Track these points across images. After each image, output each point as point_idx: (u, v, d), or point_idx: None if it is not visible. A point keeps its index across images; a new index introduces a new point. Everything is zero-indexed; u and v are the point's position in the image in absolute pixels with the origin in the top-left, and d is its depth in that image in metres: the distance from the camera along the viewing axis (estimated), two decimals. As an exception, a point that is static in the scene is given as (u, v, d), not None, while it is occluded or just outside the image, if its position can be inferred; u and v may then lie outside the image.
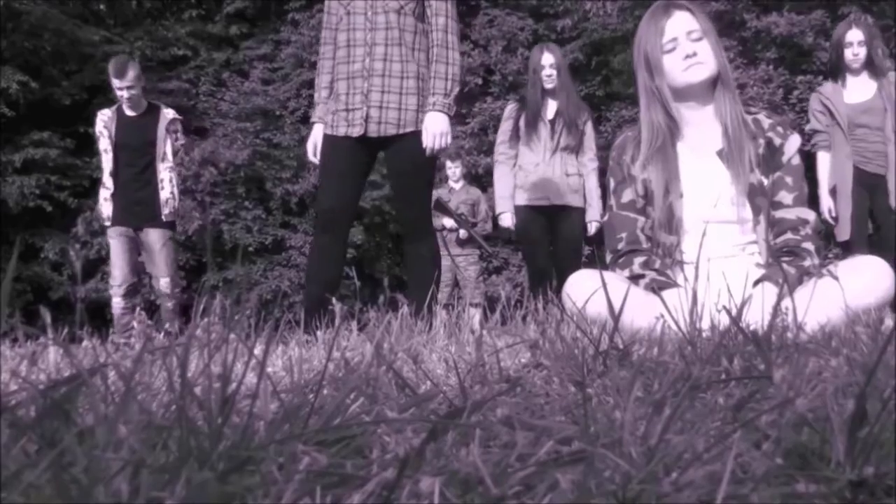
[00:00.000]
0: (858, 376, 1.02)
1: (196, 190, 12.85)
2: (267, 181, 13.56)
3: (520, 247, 7.64)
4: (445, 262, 6.85)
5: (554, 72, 4.92)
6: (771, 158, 2.46)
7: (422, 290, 3.19)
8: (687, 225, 2.45)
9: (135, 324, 4.84)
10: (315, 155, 3.55)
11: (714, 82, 2.46)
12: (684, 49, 2.43)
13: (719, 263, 2.36)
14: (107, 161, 5.12)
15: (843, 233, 4.74)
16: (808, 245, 2.39)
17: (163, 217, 5.06)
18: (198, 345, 1.20)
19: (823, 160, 4.81)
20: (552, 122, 4.95)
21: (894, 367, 0.94)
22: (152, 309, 5.19)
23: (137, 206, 5.07)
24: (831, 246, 5.69)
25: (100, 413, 0.71)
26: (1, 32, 12.37)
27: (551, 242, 5.09)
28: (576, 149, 5.00)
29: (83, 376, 0.77)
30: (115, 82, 5.03)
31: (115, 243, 5.10)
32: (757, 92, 11.92)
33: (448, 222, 6.82)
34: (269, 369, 1.29)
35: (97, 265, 10.96)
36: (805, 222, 2.43)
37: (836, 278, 2.20)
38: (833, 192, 4.78)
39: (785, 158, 2.47)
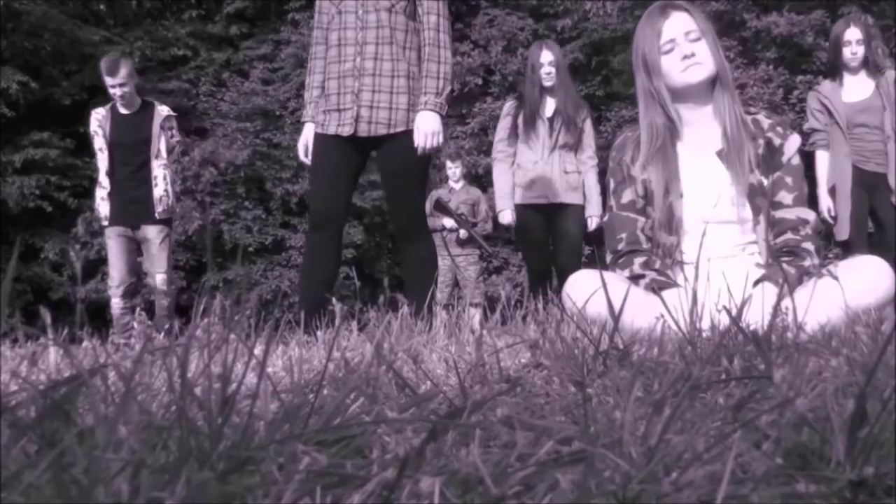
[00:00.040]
0: (858, 376, 1.02)
1: (196, 190, 12.85)
2: (267, 181, 13.56)
3: (519, 246, 7.65)
4: (445, 262, 6.86)
5: (553, 70, 4.90)
6: (771, 158, 2.46)
7: (420, 291, 3.18)
8: (687, 225, 2.45)
9: (135, 324, 4.84)
10: (306, 155, 3.54)
11: (713, 82, 2.46)
12: (682, 50, 2.43)
13: (719, 263, 2.36)
14: (102, 160, 5.08)
15: (843, 232, 4.73)
16: (808, 245, 2.39)
17: (156, 215, 5.03)
18: (198, 345, 1.20)
19: (822, 159, 4.81)
20: (551, 119, 4.93)
21: (894, 367, 0.94)
22: (151, 309, 5.17)
23: (134, 205, 5.04)
24: (831, 246, 5.69)
25: (100, 413, 0.71)
26: (1, 32, 12.38)
27: (551, 241, 5.08)
28: (574, 147, 4.98)
29: (83, 377, 0.77)
30: (108, 80, 4.99)
31: (113, 244, 5.08)
32: (757, 92, 11.93)
33: (448, 222, 6.82)
34: (270, 369, 1.29)
35: (97, 265, 10.95)
36: (805, 222, 2.43)
37: (836, 278, 2.20)
38: (832, 191, 4.78)
39: (785, 158, 2.47)
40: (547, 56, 4.92)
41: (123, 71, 4.96)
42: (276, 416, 0.77)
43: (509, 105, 5.16)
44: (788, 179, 2.46)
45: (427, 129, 3.30)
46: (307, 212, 3.67)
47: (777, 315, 1.50)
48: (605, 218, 2.64)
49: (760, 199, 2.43)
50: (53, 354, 1.54)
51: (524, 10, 14.33)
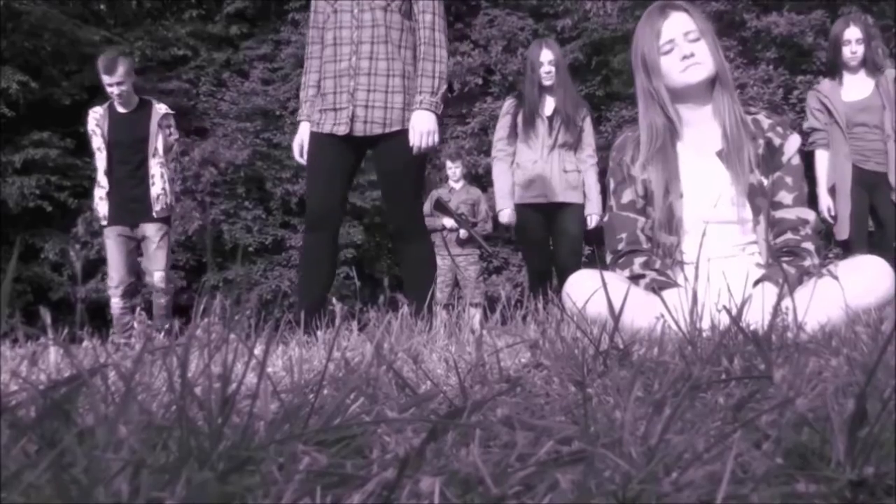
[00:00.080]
0: (859, 376, 1.02)
1: (196, 190, 12.85)
2: (267, 181, 13.56)
3: (519, 246, 7.64)
4: (446, 261, 6.86)
5: (552, 69, 4.89)
6: (771, 158, 2.46)
7: (420, 291, 3.18)
8: (687, 225, 2.45)
9: (135, 324, 4.84)
10: (301, 155, 3.54)
11: (712, 82, 2.46)
12: (682, 50, 2.43)
13: (719, 263, 2.36)
14: (101, 159, 5.06)
15: (843, 232, 4.73)
16: (808, 245, 2.39)
17: (154, 214, 5.02)
18: (198, 345, 1.20)
19: (822, 158, 4.81)
20: (550, 118, 4.91)
21: (894, 367, 0.94)
22: (151, 308, 5.16)
23: (133, 204, 5.02)
24: (831, 245, 5.69)
25: (100, 413, 0.71)
26: (1, 32, 12.37)
27: (551, 241, 5.08)
28: (574, 146, 4.97)
29: (83, 377, 0.77)
30: (105, 79, 4.96)
31: (112, 244, 5.05)
32: (757, 92, 11.92)
33: (448, 222, 6.82)
34: (270, 369, 1.29)
35: (97, 265, 10.95)
36: (805, 222, 2.43)
37: (836, 278, 2.20)
38: (832, 190, 4.78)
39: (785, 158, 2.47)
40: (547, 55, 4.91)
41: (121, 69, 4.93)
42: (276, 416, 0.77)
43: (508, 104, 5.14)
44: (788, 179, 2.46)
45: (422, 128, 3.30)
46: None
47: (777, 315, 1.50)
48: (606, 218, 2.64)
49: (760, 199, 2.43)
50: (53, 354, 1.54)
51: (524, 10, 14.33)
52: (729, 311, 1.37)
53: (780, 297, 1.85)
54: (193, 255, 12.91)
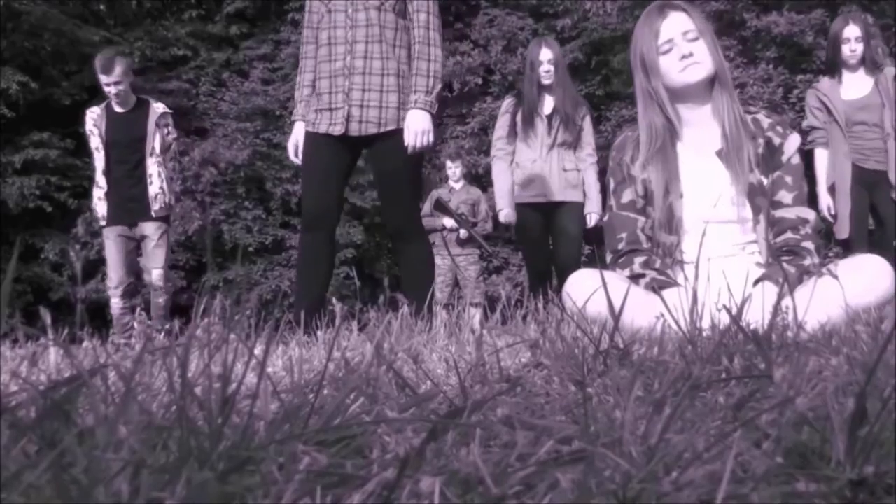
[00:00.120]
0: (859, 375, 1.02)
1: (196, 190, 12.85)
2: (267, 181, 13.55)
3: (519, 246, 7.64)
4: (446, 261, 6.85)
5: (552, 68, 4.87)
6: (770, 158, 2.46)
7: (420, 291, 3.18)
8: (687, 225, 2.45)
9: (135, 324, 4.83)
10: (296, 154, 3.53)
11: (712, 82, 2.46)
12: (680, 50, 2.42)
13: (719, 263, 2.36)
14: (99, 159, 5.04)
15: (843, 231, 4.73)
16: (808, 244, 2.39)
17: (153, 213, 5.00)
18: (198, 345, 1.20)
19: (821, 157, 4.80)
20: (549, 117, 4.90)
21: (894, 367, 0.94)
22: (150, 309, 5.15)
23: (131, 203, 5.00)
24: (831, 244, 5.69)
25: (100, 413, 0.71)
26: (1, 32, 12.37)
27: (550, 240, 5.07)
28: (573, 144, 4.95)
29: (83, 377, 0.77)
30: (103, 78, 4.94)
31: (111, 244, 5.03)
32: (757, 91, 11.92)
33: (448, 222, 6.81)
34: (270, 369, 1.29)
35: (97, 266, 10.95)
36: (805, 221, 2.43)
37: (836, 277, 2.20)
38: (832, 189, 4.77)
39: (784, 158, 2.47)
40: (546, 54, 4.89)
41: (118, 69, 4.91)
42: (277, 416, 0.77)
43: (508, 102, 5.13)
44: (788, 178, 2.46)
45: (417, 127, 3.29)
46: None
47: (777, 314, 1.50)
48: (606, 217, 2.64)
49: (760, 199, 2.43)
50: (53, 355, 1.54)
51: (524, 9, 14.33)
52: (729, 311, 1.37)
53: (781, 297, 1.85)
54: (193, 255, 12.91)
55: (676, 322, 1.51)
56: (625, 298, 1.40)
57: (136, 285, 5.18)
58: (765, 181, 2.45)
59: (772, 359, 1.14)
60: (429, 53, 3.35)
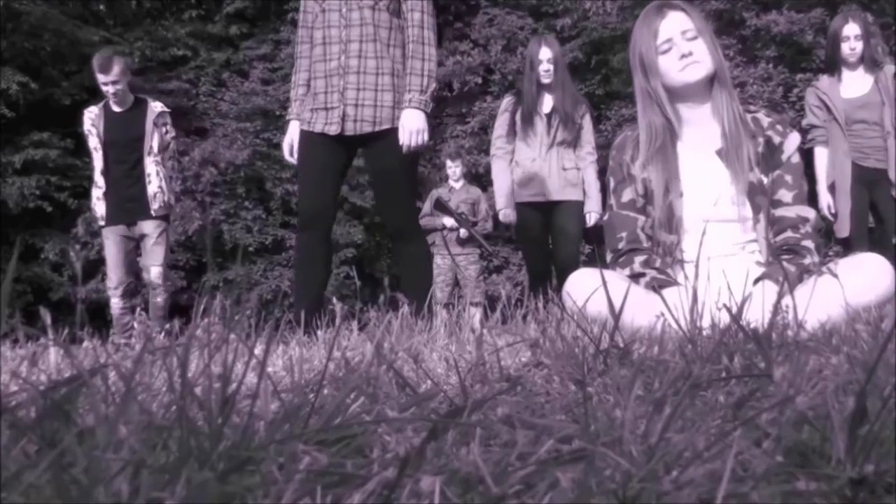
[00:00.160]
0: (859, 374, 1.02)
1: (196, 190, 12.85)
2: (267, 181, 13.55)
3: (519, 245, 7.64)
4: (446, 261, 6.85)
5: (551, 67, 4.86)
6: (770, 157, 2.46)
7: (420, 290, 3.18)
8: (687, 224, 2.45)
9: (135, 324, 4.83)
10: (292, 154, 3.53)
11: (711, 81, 2.46)
12: (680, 49, 2.42)
13: (719, 262, 2.36)
14: (97, 159, 5.03)
15: (843, 229, 4.73)
16: (808, 243, 2.39)
17: (152, 212, 4.99)
18: (198, 345, 1.20)
19: (821, 156, 4.80)
20: (548, 116, 4.89)
21: (894, 365, 0.94)
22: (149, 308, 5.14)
23: (130, 203, 4.99)
24: (831, 243, 5.69)
25: (100, 413, 0.71)
26: (1, 33, 12.37)
27: (550, 239, 5.06)
28: (573, 143, 4.95)
29: (83, 377, 0.77)
30: (100, 77, 4.92)
31: (110, 244, 5.02)
32: (757, 90, 11.92)
33: (448, 221, 6.81)
34: (270, 369, 1.29)
35: (97, 266, 10.94)
36: (805, 220, 2.43)
37: (836, 276, 2.20)
38: (832, 188, 4.77)
39: (784, 157, 2.47)
40: (546, 53, 4.88)
41: (116, 68, 4.89)
42: (277, 416, 0.77)
43: (507, 101, 5.12)
44: (788, 177, 2.46)
45: (412, 126, 3.29)
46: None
47: (777, 313, 1.50)
48: (606, 217, 2.64)
49: (760, 198, 2.43)
50: (54, 355, 1.54)
51: (524, 9, 14.33)
52: (729, 310, 1.37)
53: (781, 296, 1.85)
54: (193, 255, 12.90)
55: (676, 321, 1.51)
56: (625, 298, 1.40)
57: (135, 285, 5.17)
58: (765, 180, 2.45)
59: (772, 358, 1.14)
60: (423, 52, 3.35)
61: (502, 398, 0.98)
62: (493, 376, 1.23)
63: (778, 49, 12.72)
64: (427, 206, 6.90)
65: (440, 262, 6.86)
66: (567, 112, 4.86)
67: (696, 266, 1.95)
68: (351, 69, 3.32)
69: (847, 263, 2.36)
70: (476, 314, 4.00)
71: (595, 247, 5.23)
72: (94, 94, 5.27)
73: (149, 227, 5.00)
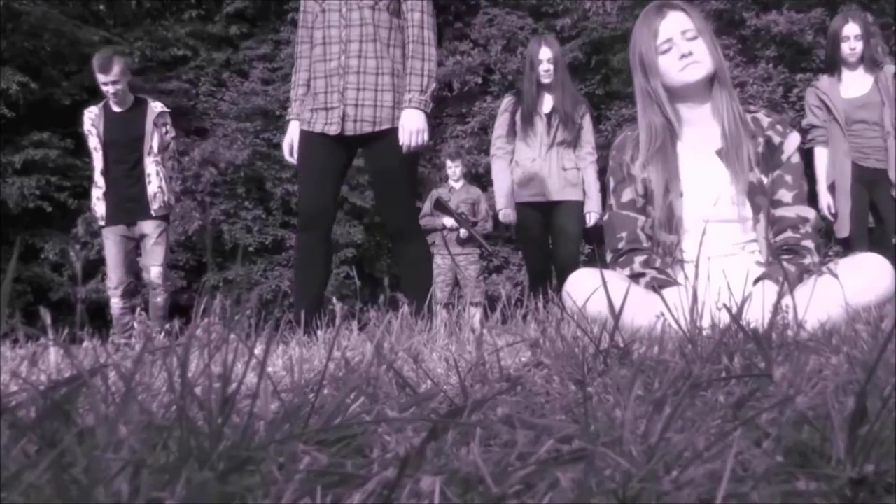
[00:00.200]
0: (859, 374, 1.02)
1: (196, 190, 12.85)
2: (267, 181, 13.55)
3: (519, 245, 7.64)
4: (446, 261, 6.85)
5: (551, 67, 4.85)
6: (770, 157, 2.46)
7: (420, 290, 3.18)
8: (687, 224, 2.45)
9: (135, 324, 4.83)
10: (291, 154, 3.53)
11: (711, 81, 2.46)
12: (680, 49, 2.42)
13: (719, 262, 2.36)
14: (97, 159, 5.02)
15: (843, 230, 4.72)
16: (808, 243, 2.39)
17: (153, 212, 4.98)
18: (198, 345, 1.20)
19: (821, 156, 4.80)
20: (548, 116, 4.88)
21: (894, 365, 0.94)
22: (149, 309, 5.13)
23: (130, 203, 4.98)
24: (831, 243, 5.69)
25: (100, 413, 0.71)
26: (1, 33, 12.37)
27: (550, 239, 5.06)
28: (573, 143, 4.94)
29: (83, 377, 0.77)
30: (100, 77, 4.91)
31: (110, 244, 5.01)
32: (757, 90, 11.92)
33: (448, 221, 6.81)
34: (270, 369, 1.29)
35: (97, 266, 10.94)
36: (805, 220, 2.43)
37: (836, 276, 2.20)
38: (832, 188, 4.77)
39: (784, 157, 2.47)
40: (545, 53, 4.88)
41: (116, 68, 4.88)
42: (277, 416, 0.77)
43: (507, 101, 5.11)
44: (788, 177, 2.46)
45: (412, 126, 3.28)
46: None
47: (777, 313, 1.50)
48: (606, 217, 2.64)
49: (760, 198, 2.43)
50: (54, 355, 1.54)
51: (524, 9, 14.33)
52: (729, 310, 1.37)
53: (781, 296, 1.85)
54: (193, 255, 12.90)
55: (676, 321, 1.51)
56: (625, 298, 1.40)
57: (135, 285, 5.16)
58: (765, 180, 2.45)
59: (772, 358, 1.14)
60: (423, 52, 3.34)
61: (502, 398, 0.98)
62: (493, 376, 1.23)
63: (778, 49, 12.72)
64: (427, 206, 6.90)
65: (440, 262, 6.86)
66: (567, 112, 4.85)
67: (696, 266, 1.95)
68: (351, 69, 3.32)
69: (847, 263, 2.36)
70: (476, 314, 4.00)
71: (595, 247, 5.22)
72: (95, 95, 5.26)
73: (149, 227, 4.99)
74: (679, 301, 1.76)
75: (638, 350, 1.35)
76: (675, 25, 2.44)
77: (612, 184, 2.57)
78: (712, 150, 2.47)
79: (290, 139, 3.53)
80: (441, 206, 6.71)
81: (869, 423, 0.67)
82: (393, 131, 3.31)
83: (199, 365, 0.99)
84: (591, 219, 4.96)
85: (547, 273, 4.97)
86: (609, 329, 1.34)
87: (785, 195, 2.45)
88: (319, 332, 2.17)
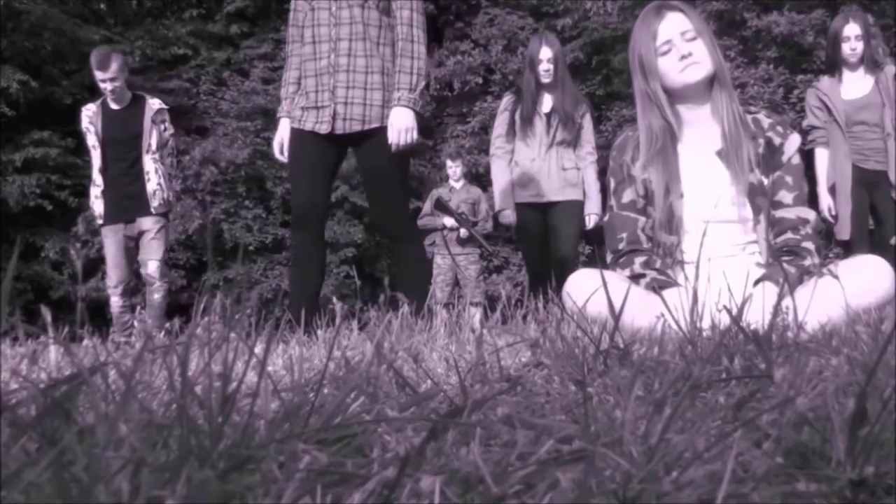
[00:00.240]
0: (859, 375, 1.02)
1: (196, 189, 12.85)
2: (267, 180, 13.55)
3: (519, 245, 7.64)
4: (446, 261, 6.85)
5: (551, 66, 4.83)
6: (771, 158, 2.46)
7: (419, 290, 3.17)
8: (687, 225, 2.45)
9: (135, 322, 4.82)
10: (282, 153, 3.52)
11: (711, 82, 2.46)
12: (679, 50, 2.42)
13: (720, 263, 2.36)
14: (96, 157, 5.00)
15: (844, 232, 4.72)
16: (809, 244, 2.39)
17: (152, 210, 4.96)
18: (198, 344, 1.20)
19: (822, 157, 4.79)
20: (548, 116, 4.86)
21: (895, 367, 0.94)
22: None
23: (128, 201, 4.96)
24: (832, 245, 5.69)
25: (100, 412, 0.71)
26: (1, 32, 12.37)
27: (550, 239, 5.04)
28: (573, 143, 4.92)
29: (84, 375, 0.77)
30: (98, 74, 4.89)
31: (110, 243, 5.00)
32: (757, 91, 11.93)
33: (449, 221, 6.81)
34: (270, 368, 1.29)
35: (97, 264, 10.93)
36: (805, 222, 2.43)
37: (836, 277, 2.20)
38: (832, 189, 4.76)
39: (785, 158, 2.47)
40: (546, 52, 4.85)
41: (114, 65, 4.87)
42: (277, 415, 0.77)
43: (507, 100, 5.09)
44: (789, 179, 2.46)
45: (400, 125, 3.27)
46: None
47: (777, 314, 1.50)
48: (606, 217, 2.64)
49: (761, 199, 2.43)
50: (54, 353, 1.54)
51: (524, 9, 14.33)
52: (729, 311, 1.37)
53: (781, 297, 1.85)
54: (194, 254, 12.91)
55: (677, 322, 1.51)
56: (625, 298, 1.40)
57: (135, 284, 5.15)
58: (765, 181, 2.45)
59: (772, 359, 1.14)
60: (412, 50, 3.33)
61: (502, 398, 0.98)
62: (493, 376, 1.23)
63: (779, 50, 12.72)
64: (427, 206, 6.90)
65: (440, 261, 6.86)
66: (567, 112, 4.83)
67: (697, 267, 1.95)
68: (340, 67, 3.31)
69: (847, 265, 2.36)
70: (476, 314, 4.00)
71: (595, 247, 5.22)
72: (95, 93, 5.25)
73: (148, 224, 4.97)
74: (679, 302, 1.76)
75: (638, 351, 1.35)
76: (675, 26, 2.44)
77: (612, 185, 2.57)
78: (712, 150, 2.47)
79: (281, 137, 3.53)
80: (441, 206, 6.71)
81: (869, 425, 0.67)
82: (383, 130, 3.30)
83: (199, 364, 0.99)
84: (591, 221, 4.94)
85: (547, 273, 4.94)
86: (609, 329, 1.34)
87: (785, 196, 2.45)
88: (319, 332, 2.17)
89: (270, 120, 13.98)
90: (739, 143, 2.43)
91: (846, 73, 4.67)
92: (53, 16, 12.81)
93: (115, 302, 5.00)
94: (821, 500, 0.62)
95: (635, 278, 2.39)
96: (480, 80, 13.95)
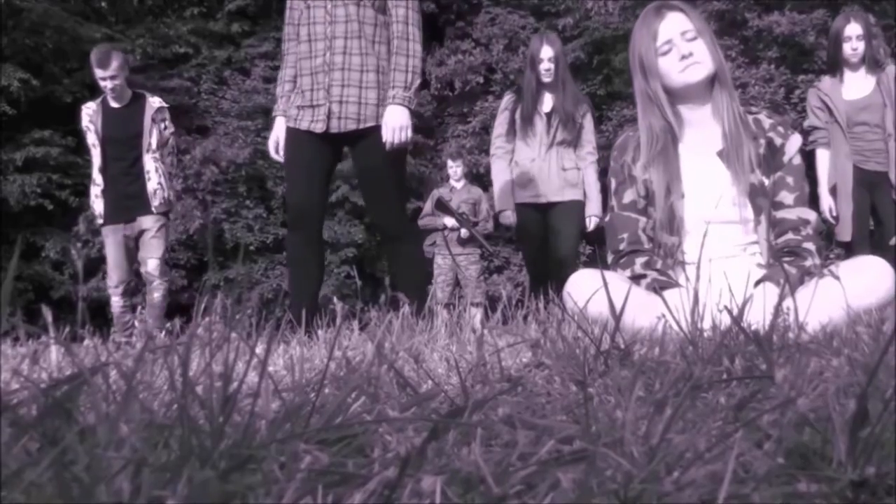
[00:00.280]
0: (860, 376, 1.02)
1: (197, 188, 12.85)
2: (268, 180, 13.55)
3: (520, 246, 7.64)
4: (447, 261, 6.85)
5: (552, 66, 4.81)
6: (772, 158, 2.46)
7: (418, 289, 3.16)
8: (688, 225, 2.45)
9: (135, 322, 4.82)
10: (277, 151, 3.51)
11: (711, 82, 2.46)
12: (680, 50, 2.42)
13: (721, 264, 2.36)
14: (96, 156, 4.97)
15: (845, 233, 4.72)
16: (810, 245, 2.39)
17: (153, 209, 4.95)
18: (199, 344, 1.20)
19: (822, 158, 4.78)
20: (548, 115, 4.85)
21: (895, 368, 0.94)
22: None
23: (129, 201, 4.94)
24: (833, 246, 5.68)
25: (101, 412, 0.71)
26: (2, 30, 12.37)
27: (550, 239, 5.03)
28: (573, 143, 4.90)
29: (84, 375, 0.77)
30: (98, 73, 4.87)
31: (110, 243, 4.98)
32: (758, 91, 11.92)
33: (449, 221, 6.80)
34: (271, 368, 1.29)
35: (98, 264, 10.92)
36: (806, 222, 2.43)
37: (837, 278, 2.20)
38: (833, 190, 4.76)
39: (786, 158, 2.46)
40: (547, 52, 4.83)
41: (114, 63, 4.84)
42: (278, 415, 0.77)
43: (507, 99, 5.06)
44: (789, 179, 2.46)
45: (395, 123, 3.26)
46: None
47: (778, 315, 1.50)
48: (607, 218, 2.63)
49: (762, 199, 2.43)
50: (55, 353, 1.54)
51: (526, 8, 14.33)
52: (730, 312, 1.37)
53: (782, 298, 1.85)
54: (194, 253, 12.91)
55: (677, 322, 1.51)
56: (626, 299, 1.40)
57: (136, 284, 5.14)
58: (766, 182, 2.44)
59: (773, 360, 1.14)
60: (407, 48, 3.32)
61: (503, 398, 0.98)
62: (494, 377, 1.23)
63: (780, 50, 12.72)
64: (428, 206, 6.90)
65: (441, 262, 6.85)
66: (567, 111, 4.81)
67: (698, 267, 1.95)
68: (336, 66, 3.30)
69: (848, 266, 2.35)
70: (477, 314, 4.00)
71: (596, 248, 5.21)
72: (96, 92, 5.24)
73: (148, 222, 4.95)
74: (680, 302, 1.76)
75: (639, 351, 1.35)
76: (675, 26, 2.44)
77: (613, 185, 2.57)
78: (713, 151, 2.47)
79: (276, 136, 3.51)
80: (442, 206, 6.71)
81: (870, 426, 0.67)
82: (378, 129, 3.29)
83: (200, 364, 0.99)
84: (592, 223, 4.92)
85: (547, 273, 4.94)
86: (610, 330, 1.34)
87: (786, 197, 2.45)
88: (320, 332, 2.17)
89: (271, 119, 14.01)
90: (740, 144, 2.43)
91: (847, 74, 4.66)
92: (54, 14, 12.82)
93: (116, 302, 4.99)
94: (822, 500, 0.62)
95: (636, 279, 2.39)
96: (481, 80, 13.95)
